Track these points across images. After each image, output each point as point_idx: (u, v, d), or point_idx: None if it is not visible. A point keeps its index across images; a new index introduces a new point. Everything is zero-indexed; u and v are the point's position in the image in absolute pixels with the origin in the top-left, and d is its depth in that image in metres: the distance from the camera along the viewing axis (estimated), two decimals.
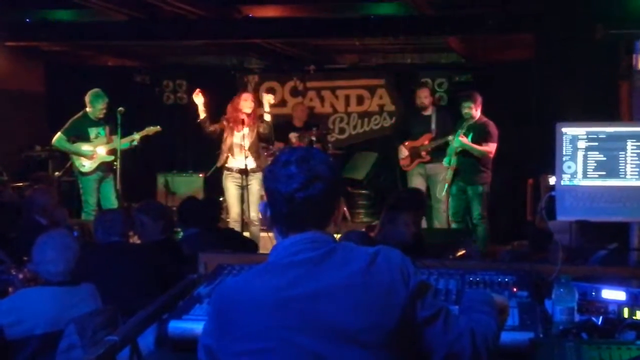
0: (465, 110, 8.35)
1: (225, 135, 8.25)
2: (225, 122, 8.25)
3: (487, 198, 8.50)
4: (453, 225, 8.67)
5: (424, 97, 9.00)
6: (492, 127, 8.38)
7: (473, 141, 8.33)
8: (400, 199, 5.52)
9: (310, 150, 2.29)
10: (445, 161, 8.56)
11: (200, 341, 2.27)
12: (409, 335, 2.13)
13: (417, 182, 8.97)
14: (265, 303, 2.10)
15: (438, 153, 8.78)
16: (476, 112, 8.36)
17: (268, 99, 8.47)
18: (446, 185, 8.52)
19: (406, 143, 9.00)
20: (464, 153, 8.38)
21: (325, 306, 2.08)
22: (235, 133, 8.20)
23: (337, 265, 2.14)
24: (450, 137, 8.47)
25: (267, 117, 8.35)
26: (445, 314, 2.19)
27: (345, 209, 9.70)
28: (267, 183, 2.25)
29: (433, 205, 8.90)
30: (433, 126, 8.93)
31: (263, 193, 9.02)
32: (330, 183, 2.22)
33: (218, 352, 2.18)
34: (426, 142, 8.84)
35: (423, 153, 8.87)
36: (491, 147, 8.34)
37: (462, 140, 8.30)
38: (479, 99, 8.40)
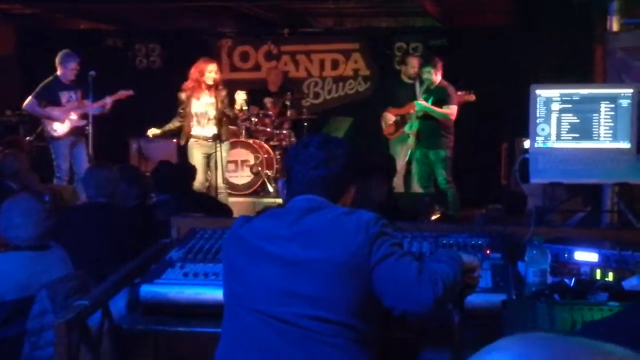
0: (425, 75, 8.41)
1: (186, 102, 8.19)
2: (187, 90, 8.17)
3: (450, 162, 8.53)
4: (421, 190, 8.68)
5: (416, 65, 8.92)
6: (452, 90, 8.43)
7: (433, 104, 8.35)
8: (371, 163, 5.50)
9: (329, 136, 2.90)
10: (406, 127, 8.59)
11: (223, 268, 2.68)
12: (362, 273, 2.41)
13: (399, 150, 8.88)
14: (256, 236, 2.54)
15: None
16: (436, 77, 8.41)
17: (242, 99, 8.47)
18: (410, 152, 8.56)
19: (391, 110, 8.94)
20: (425, 117, 8.41)
21: (296, 245, 2.47)
22: (197, 101, 8.17)
23: (315, 217, 2.51)
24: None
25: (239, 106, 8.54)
26: (399, 255, 2.42)
27: None
28: (287, 162, 2.66)
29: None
30: (418, 91, 8.86)
31: (240, 158, 9.26)
32: (345, 165, 2.60)
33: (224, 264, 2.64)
34: (412, 111, 8.75)
35: (409, 121, 8.81)
36: (452, 109, 8.38)
37: (422, 103, 8.34)
38: (439, 64, 8.46)
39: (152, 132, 8.66)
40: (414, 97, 8.80)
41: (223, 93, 8.26)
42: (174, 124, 8.42)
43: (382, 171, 5.47)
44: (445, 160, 8.49)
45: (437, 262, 2.49)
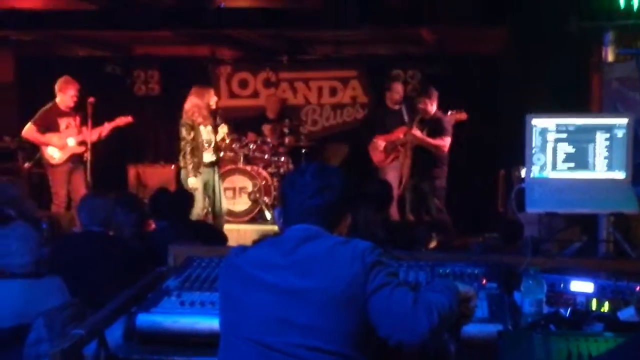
0: (420, 105, 8.39)
1: (188, 132, 8.14)
2: (192, 120, 8.17)
3: (443, 192, 8.52)
4: (413, 219, 8.68)
5: (400, 91, 9.04)
6: (447, 122, 8.41)
7: (428, 135, 8.36)
8: (366, 191, 5.53)
9: (326, 164, 2.79)
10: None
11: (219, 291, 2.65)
12: (358, 302, 2.40)
13: (392, 176, 8.90)
14: (253, 264, 2.53)
15: None
16: (431, 107, 8.40)
17: (223, 131, 8.53)
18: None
19: (379, 137, 8.98)
20: (418, 148, 8.42)
21: (291, 274, 2.46)
22: (202, 128, 8.20)
23: (311, 246, 2.50)
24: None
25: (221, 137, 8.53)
26: (395, 284, 2.43)
27: None
28: (284, 190, 2.65)
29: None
30: (406, 119, 8.93)
31: (238, 186, 9.26)
32: (341, 195, 2.61)
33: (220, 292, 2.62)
34: (401, 136, 8.80)
35: (399, 147, 8.85)
36: (446, 141, 8.37)
37: (415, 134, 8.33)
38: (435, 94, 8.45)
39: (193, 186, 8.12)
40: (401, 123, 8.85)
41: (215, 122, 8.37)
42: (194, 158, 8.21)
43: (377, 199, 5.51)
44: (439, 190, 8.49)
45: (433, 292, 2.49)
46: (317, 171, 2.62)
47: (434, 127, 8.38)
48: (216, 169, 8.30)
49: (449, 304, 2.44)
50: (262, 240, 2.75)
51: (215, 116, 8.30)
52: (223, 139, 8.79)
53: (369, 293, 2.39)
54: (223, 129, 8.53)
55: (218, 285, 2.68)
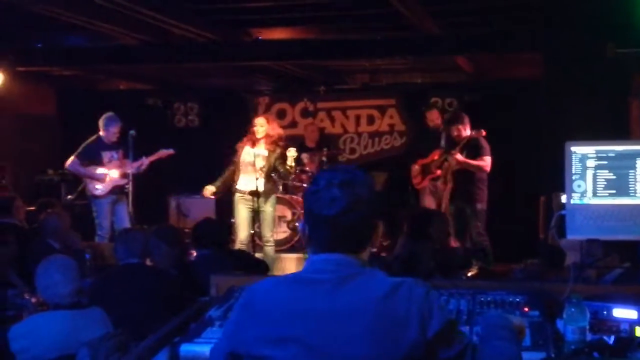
0: (454, 133, 8.45)
1: (238, 152, 8.25)
2: (242, 141, 8.26)
3: (484, 216, 8.51)
4: (456, 245, 8.67)
5: (435, 118, 9.14)
6: (484, 142, 8.44)
7: (467, 158, 8.40)
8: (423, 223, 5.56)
9: (352, 171, 2.25)
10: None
11: (219, 349, 2.31)
12: None
13: (429, 199, 9.03)
14: (281, 311, 2.14)
15: None
16: (465, 132, 8.45)
17: (291, 155, 8.36)
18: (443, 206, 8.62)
19: (418, 161, 9.11)
20: (459, 171, 8.44)
21: (335, 328, 2.08)
22: (249, 150, 8.19)
23: (354, 290, 2.12)
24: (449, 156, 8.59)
25: (290, 162, 8.26)
26: (471, 351, 2.18)
27: None
28: (308, 204, 2.22)
29: None
30: (443, 142, 9.00)
31: (277, 214, 9.25)
32: (372, 207, 2.21)
33: (238, 344, 2.20)
34: (436, 158, 8.93)
35: (433, 168, 8.94)
36: (486, 161, 8.40)
37: (456, 157, 8.36)
38: (466, 118, 8.53)
39: (209, 190, 8.37)
40: (438, 145, 8.94)
41: (279, 150, 8.24)
42: (226, 174, 8.33)
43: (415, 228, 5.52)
44: (480, 213, 8.49)
45: (501, 340, 2.31)
46: (345, 183, 2.18)
47: (473, 149, 8.41)
48: (260, 198, 8.08)
49: (518, 351, 2.32)
50: (287, 276, 2.31)
51: (270, 142, 8.22)
52: (292, 166, 8.57)
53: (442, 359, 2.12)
54: (290, 153, 8.39)
55: (231, 327, 2.32)
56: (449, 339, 2.13)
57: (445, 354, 2.11)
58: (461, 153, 8.45)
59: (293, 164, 8.28)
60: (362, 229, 2.21)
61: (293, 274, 2.27)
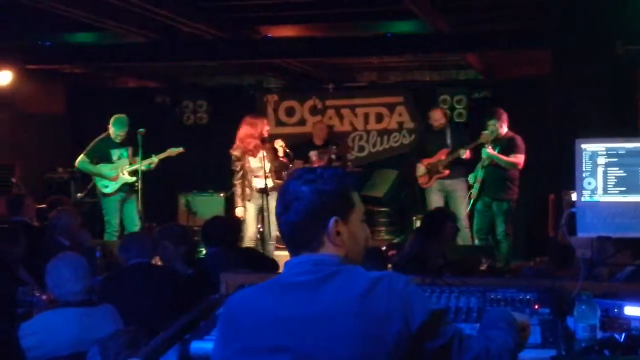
0: (491, 128, 8.43)
1: (241, 160, 8.36)
2: (243, 149, 8.32)
3: (512, 214, 8.50)
4: (476, 242, 8.65)
5: (439, 118, 9.12)
6: (519, 141, 8.47)
7: (500, 154, 8.39)
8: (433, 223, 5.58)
9: (314, 171, 2.21)
10: (470, 177, 8.62)
11: (212, 355, 2.29)
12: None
13: (435, 199, 9.01)
14: (264, 320, 2.11)
15: (456, 168, 8.83)
16: (502, 129, 8.45)
17: (280, 145, 8.57)
18: (471, 201, 8.54)
19: (423, 160, 9.07)
20: (491, 166, 8.41)
21: (318, 331, 2.05)
22: (251, 158, 8.39)
23: (334, 290, 2.09)
24: (462, 150, 8.56)
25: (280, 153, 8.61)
26: (459, 339, 2.15)
27: None
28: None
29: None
30: (449, 141, 8.99)
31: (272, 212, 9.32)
32: (310, 204, 2.14)
33: (227, 359, 2.17)
34: (443, 157, 8.93)
35: (441, 168, 8.93)
36: (519, 158, 8.40)
37: (489, 151, 8.35)
38: (504, 115, 8.50)
39: (240, 213, 8.46)
40: (444, 144, 8.93)
41: (268, 146, 8.47)
42: (239, 189, 8.46)
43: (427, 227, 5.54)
44: (507, 212, 8.48)
45: (496, 329, 2.33)
46: (302, 180, 2.17)
47: (508, 146, 8.40)
48: (267, 195, 8.35)
49: (513, 343, 2.32)
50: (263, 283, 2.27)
51: (267, 144, 8.42)
52: (284, 155, 8.74)
53: (431, 351, 2.10)
54: (279, 143, 8.60)
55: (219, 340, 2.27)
56: (435, 330, 2.10)
57: (431, 345, 2.08)
58: (494, 149, 8.44)
59: (282, 153, 8.60)
60: (304, 226, 2.16)
61: (271, 280, 2.23)
